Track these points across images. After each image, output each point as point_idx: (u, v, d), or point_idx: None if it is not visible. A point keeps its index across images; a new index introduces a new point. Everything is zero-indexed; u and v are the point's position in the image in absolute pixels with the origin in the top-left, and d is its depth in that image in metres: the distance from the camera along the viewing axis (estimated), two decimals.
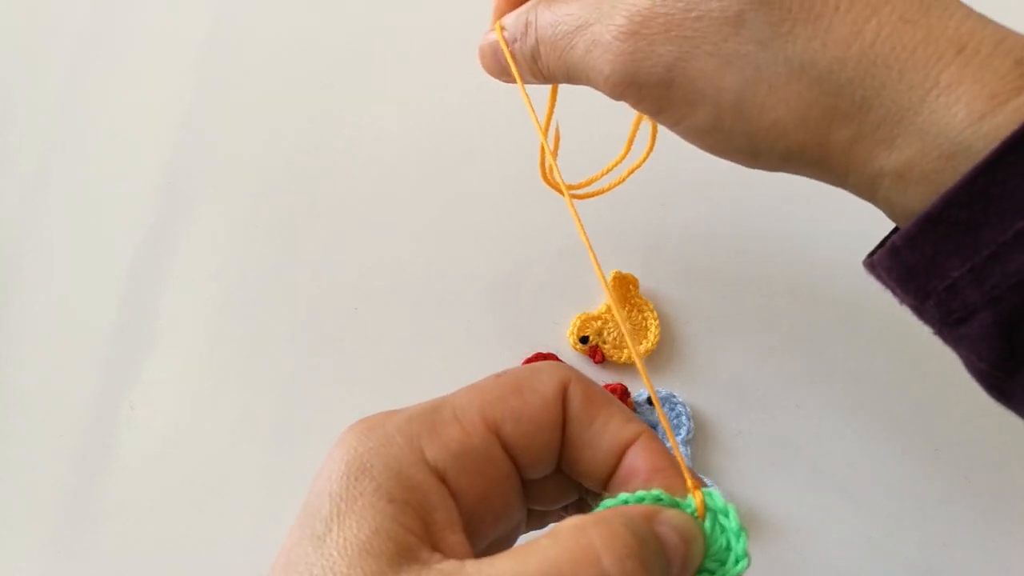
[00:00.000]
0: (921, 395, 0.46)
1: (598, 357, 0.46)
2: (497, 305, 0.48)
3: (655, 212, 0.50)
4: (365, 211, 0.51)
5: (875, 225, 0.50)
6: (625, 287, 0.47)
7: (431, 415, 0.25)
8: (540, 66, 0.34)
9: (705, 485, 0.26)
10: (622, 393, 0.44)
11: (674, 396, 0.44)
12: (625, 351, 0.46)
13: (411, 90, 0.55)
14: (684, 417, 0.44)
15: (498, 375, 0.27)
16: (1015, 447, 0.44)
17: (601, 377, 0.46)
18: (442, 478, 0.24)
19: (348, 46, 0.57)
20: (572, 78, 0.33)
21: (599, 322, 0.47)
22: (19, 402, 0.47)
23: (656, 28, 0.29)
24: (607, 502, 0.25)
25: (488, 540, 0.26)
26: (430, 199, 0.51)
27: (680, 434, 0.44)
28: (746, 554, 0.25)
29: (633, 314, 0.47)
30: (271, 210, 0.52)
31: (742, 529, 0.25)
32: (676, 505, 0.25)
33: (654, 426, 0.44)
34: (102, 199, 0.52)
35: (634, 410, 0.44)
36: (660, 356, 0.46)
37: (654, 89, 0.30)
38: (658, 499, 0.24)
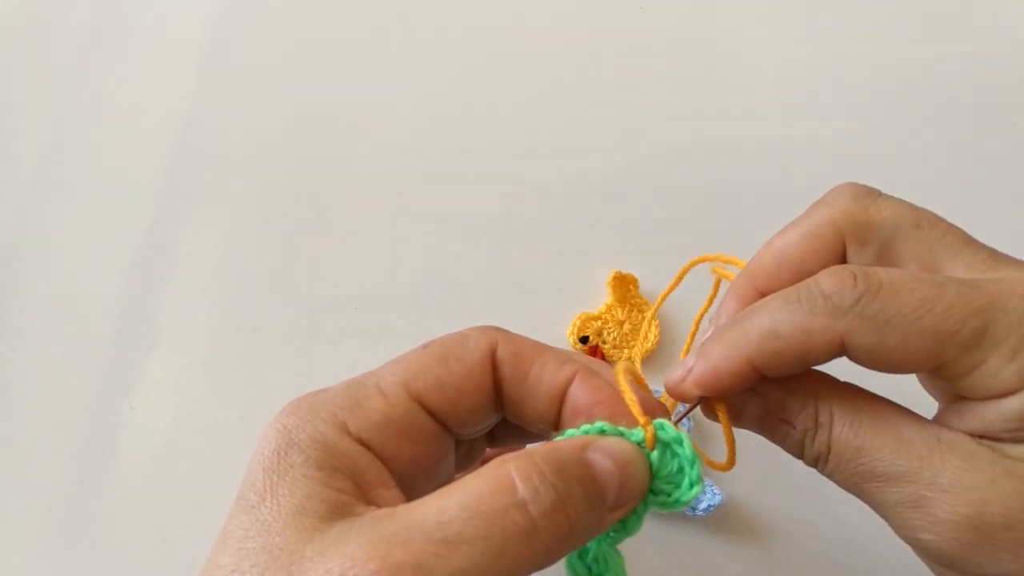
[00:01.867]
0: (921, 394, 0.46)
1: (598, 357, 0.46)
2: (497, 305, 0.48)
3: (655, 212, 0.50)
4: (365, 211, 0.51)
5: None
6: (625, 287, 0.47)
7: (355, 390, 0.27)
8: (820, 467, 0.28)
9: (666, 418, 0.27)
10: None
11: None
12: (625, 351, 0.46)
13: (411, 90, 0.55)
14: (684, 417, 0.44)
15: (424, 346, 0.28)
16: None
17: None
18: (367, 446, 0.26)
19: (348, 47, 0.57)
20: (859, 496, 0.27)
21: (599, 322, 0.46)
22: (19, 402, 0.47)
23: (1009, 539, 0.24)
24: (556, 438, 0.26)
25: (423, 492, 0.27)
26: (430, 199, 0.51)
27: None
28: (700, 479, 0.26)
29: (633, 314, 0.47)
30: (271, 210, 0.52)
31: (696, 456, 0.26)
32: (620, 434, 0.26)
33: None
34: (102, 199, 0.52)
35: None
36: (660, 356, 0.46)
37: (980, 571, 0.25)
38: (601, 430, 0.25)
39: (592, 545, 0.27)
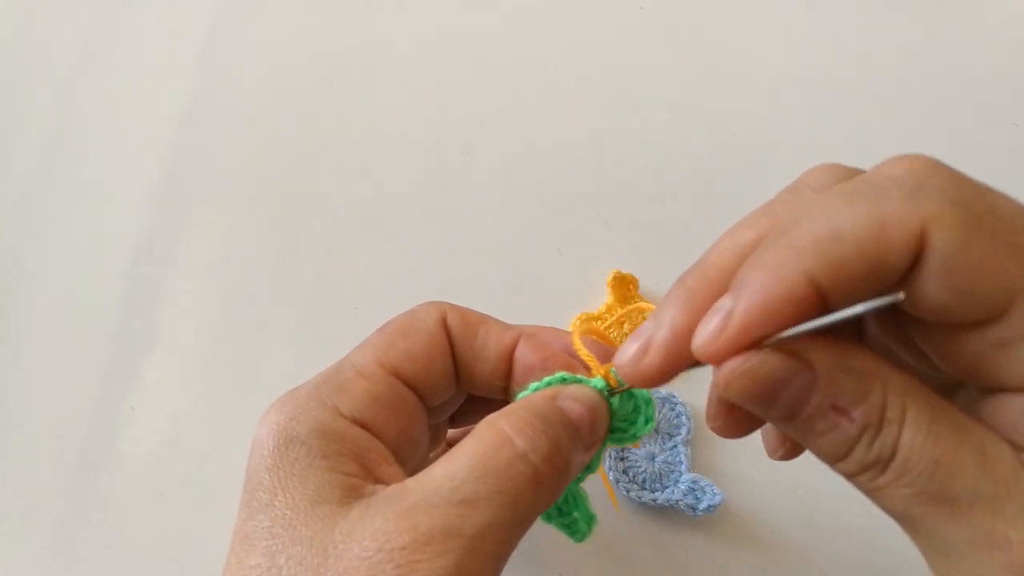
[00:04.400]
0: None
1: None
2: (497, 305, 0.48)
3: (655, 212, 0.50)
4: (365, 211, 0.51)
5: None
6: (625, 287, 0.47)
7: (335, 377, 0.28)
8: (866, 478, 0.22)
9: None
10: None
11: (674, 396, 0.44)
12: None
13: (411, 90, 0.55)
14: (684, 417, 0.44)
15: (381, 328, 0.30)
16: None
17: None
18: (363, 425, 0.27)
19: (348, 46, 0.57)
20: (901, 522, 0.22)
21: (599, 322, 0.46)
22: (19, 402, 0.47)
23: None
24: (519, 394, 0.28)
25: (411, 467, 0.29)
26: (430, 199, 0.51)
27: (680, 434, 0.44)
28: (653, 417, 0.29)
29: (633, 314, 0.47)
30: (271, 210, 0.52)
31: (651, 397, 0.29)
32: (579, 382, 0.28)
33: (655, 429, 0.44)
34: (102, 199, 0.52)
35: None
36: None
37: None
38: (563, 379, 0.28)
39: None
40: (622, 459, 0.43)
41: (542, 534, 0.42)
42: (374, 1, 0.58)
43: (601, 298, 0.47)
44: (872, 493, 0.22)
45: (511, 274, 0.49)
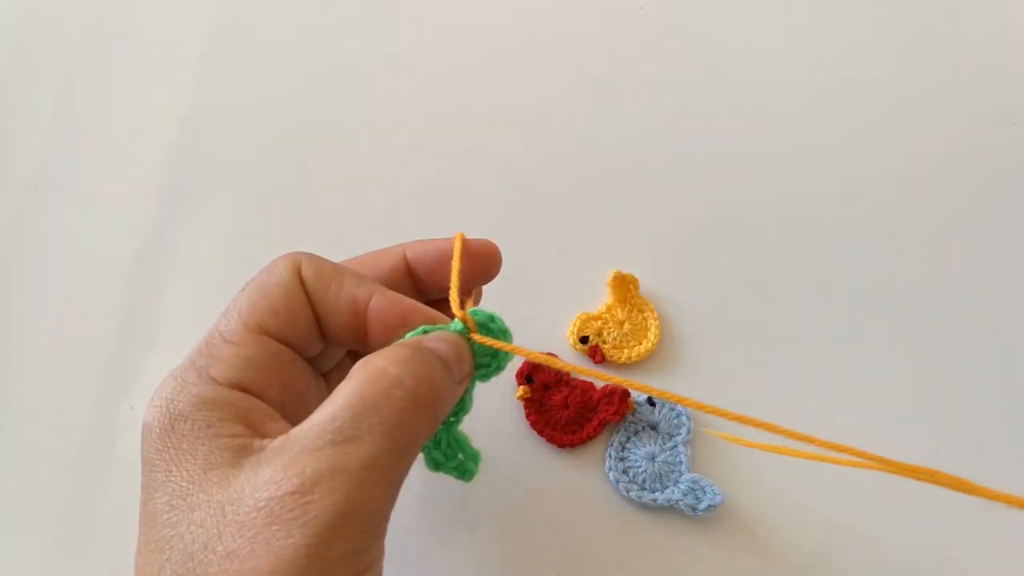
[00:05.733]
0: (921, 395, 0.46)
1: (598, 357, 0.46)
2: (497, 305, 0.48)
3: (655, 212, 0.50)
4: (365, 211, 0.51)
5: (872, 226, 0.50)
6: (625, 287, 0.47)
7: (205, 349, 0.29)
8: None
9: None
10: (622, 393, 0.44)
11: None
12: (625, 351, 0.46)
13: (411, 89, 0.55)
14: (684, 417, 0.44)
15: (241, 290, 0.31)
16: (1015, 447, 0.44)
17: None
18: (242, 389, 0.28)
19: (348, 46, 0.57)
20: None
21: (599, 322, 0.46)
22: (19, 402, 0.47)
23: None
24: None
25: (303, 419, 0.29)
26: (430, 199, 0.51)
27: (680, 434, 0.44)
28: (510, 338, 0.32)
29: (633, 314, 0.47)
30: (271, 210, 0.52)
31: (507, 329, 0.32)
32: (440, 329, 0.30)
33: (654, 427, 0.44)
34: (102, 199, 0.52)
35: (634, 411, 0.44)
36: (660, 356, 0.46)
37: None
38: (424, 331, 0.30)
39: (441, 432, 0.32)
40: (622, 459, 0.43)
41: (542, 534, 0.42)
42: (374, 2, 0.58)
43: (601, 298, 0.47)
44: None
45: (511, 274, 0.49)
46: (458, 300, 0.31)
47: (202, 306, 0.49)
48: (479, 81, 0.55)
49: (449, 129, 0.53)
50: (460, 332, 0.31)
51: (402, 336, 0.30)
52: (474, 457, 0.34)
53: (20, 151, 0.54)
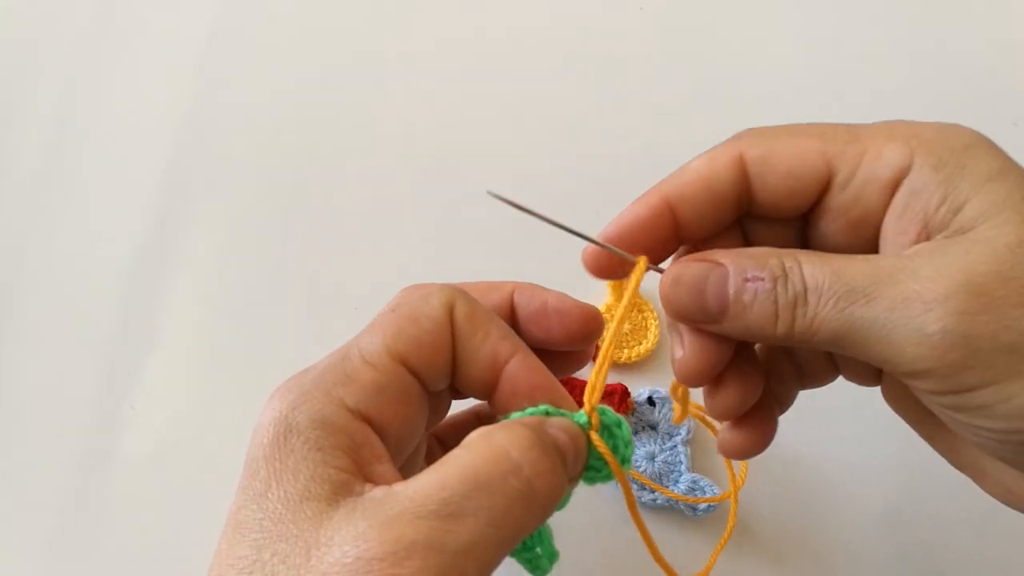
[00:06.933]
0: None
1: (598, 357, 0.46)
2: None
3: None
4: (365, 211, 0.51)
5: None
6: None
7: (342, 365, 0.28)
8: (799, 317, 0.26)
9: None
10: (622, 393, 0.44)
11: None
12: (625, 351, 0.46)
13: (411, 90, 0.55)
14: None
15: (392, 309, 0.30)
16: None
17: None
18: (366, 418, 0.27)
19: (347, 46, 0.57)
20: (843, 339, 0.26)
21: None
22: (20, 402, 0.47)
23: (1012, 291, 0.23)
24: (502, 421, 0.27)
25: (405, 456, 0.28)
26: (431, 199, 0.51)
27: (680, 434, 0.44)
28: (630, 459, 0.30)
29: (633, 314, 0.47)
30: (271, 211, 0.52)
31: (631, 439, 0.30)
32: (562, 415, 0.28)
33: (654, 427, 0.44)
34: (102, 199, 0.52)
35: (633, 410, 0.44)
36: (660, 356, 0.46)
37: (994, 357, 0.23)
38: (546, 412, 0.28)
39: None
40: None
41: None
42: (374, 2, 0.58)
43: (601, 298, 0.47)
44: (810, 331, 0.26)
45: (511, 274, 0.49)
46: (594, 391, 0.29)
47: (202, 307, 0.49)
48: (479, 81, 0.55)
49: (450, 129, 0.53)
50: (583, 426, 0.28)
51: (524, 408, 0.28)
52: (551, 556, 0.31)
53: (20, 151, 0.54)
